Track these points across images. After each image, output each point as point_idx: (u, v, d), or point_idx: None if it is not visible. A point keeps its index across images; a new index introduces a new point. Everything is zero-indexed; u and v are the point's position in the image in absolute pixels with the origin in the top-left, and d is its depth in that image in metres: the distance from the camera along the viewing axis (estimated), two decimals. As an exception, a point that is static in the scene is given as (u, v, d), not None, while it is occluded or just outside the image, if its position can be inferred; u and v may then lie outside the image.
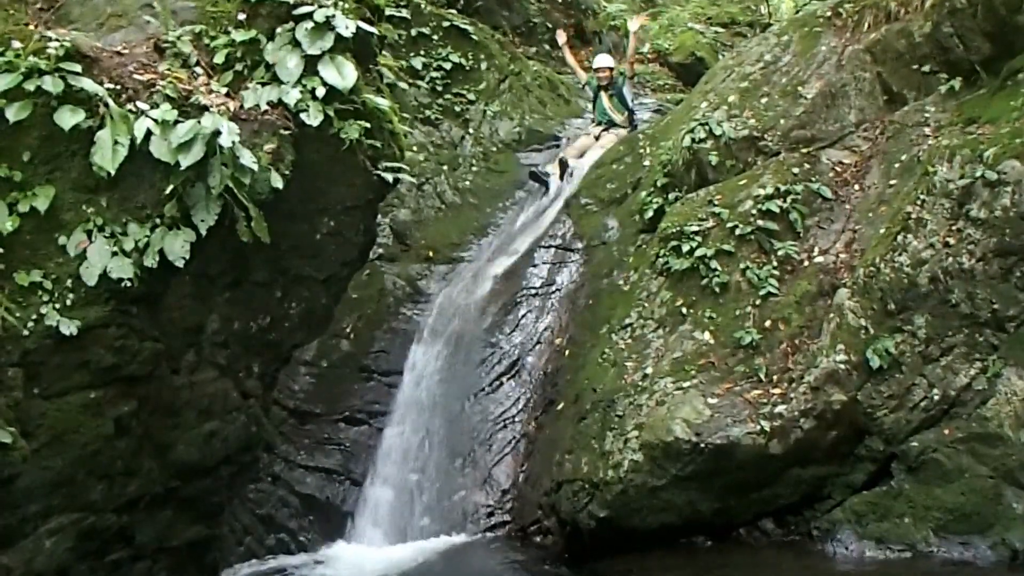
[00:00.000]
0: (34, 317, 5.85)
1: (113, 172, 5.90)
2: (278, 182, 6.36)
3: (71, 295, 5.94)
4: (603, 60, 14.59)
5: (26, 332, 5.81)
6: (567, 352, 10.95)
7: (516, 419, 10.77)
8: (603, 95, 14.47)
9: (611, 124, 14.37)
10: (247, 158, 6.14)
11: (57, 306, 5.91)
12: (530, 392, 10.96)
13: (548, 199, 13.30)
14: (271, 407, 8.86)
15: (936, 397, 8.67)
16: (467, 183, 13.73)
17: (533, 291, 11.80)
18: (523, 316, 11.56)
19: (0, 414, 5.65)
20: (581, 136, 14.48)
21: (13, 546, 5.96)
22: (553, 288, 11.80)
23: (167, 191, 6.05)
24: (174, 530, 6.98)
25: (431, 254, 12.54)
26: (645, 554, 9.07)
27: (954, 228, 8.59)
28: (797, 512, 9.22)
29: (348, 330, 11.46)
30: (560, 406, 10.45)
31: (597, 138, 14.11)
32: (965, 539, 8.51)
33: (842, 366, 8.83)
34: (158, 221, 6.09)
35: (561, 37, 15.69)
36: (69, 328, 5.89)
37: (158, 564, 6.90)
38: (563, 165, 13.48)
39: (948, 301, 8.58)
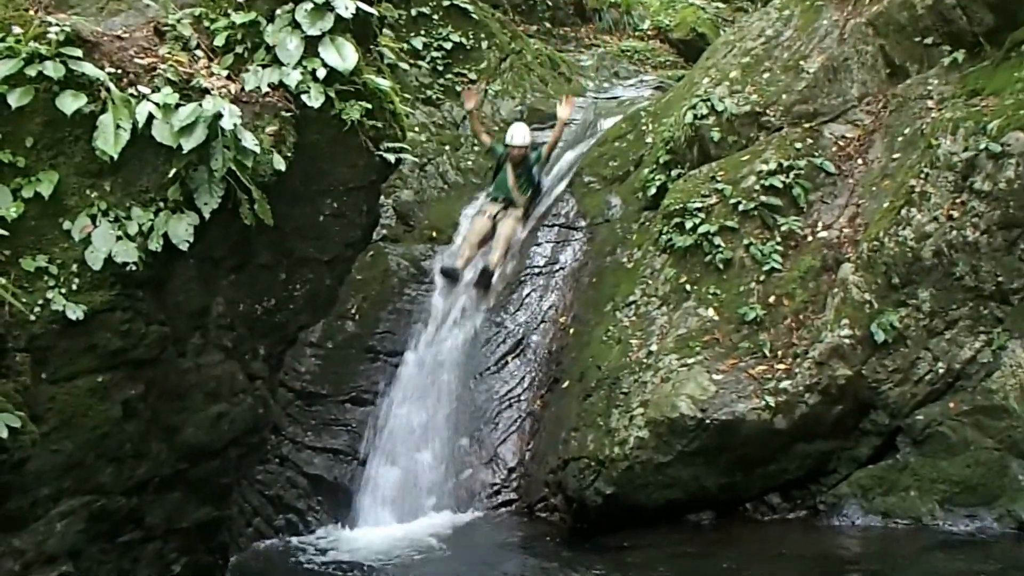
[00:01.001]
0: (40, 302, 5.86)
1: (116, 156, 5.89)
2: (280, 164, 6.36)
3: (77, 280, 5.95)
4: (520, 136, 12.39)
5: (33, 317, 5.82)
6: (571, 330, 10.98)
7: (521, 398, 10.82)
8: (509, 168, 12.42)
9: (510, 203, 12.42)
10: (249, 140, 6.14)
11: (63, 291, 5.91)
12: (535, 371, 11.00)
13: None
14: (278, 389, 8.88)
15: (941, 370, 8.71)
16: (469, 163, 13.72)
17: (537, 270, 11.82)
18: (527, 295, 11.59)
19: (9, 399, 5.66)
20: (476, 220, 12.44)
21: (25, 528, 5.98)
22: (557, 267, 11.83)
23: (170, 175, 6.04)
24: (183, 512, 7.00)
25: (434, 234, 12.54)
26: (652, 530, 9.13)
27: (958, 201, 8.61)
28: (803, 487, 9.28)
29: (353, 311, 11.48)
30: (565, 384, 10.49)
31: (494, 219, 12.32)
32: (971, 511, 8.58)
33: (847, 341, 8.85)
34: (162, 205, 6.09)
35: (469, 101, 13.12)
36: (75, 312, 5.90)
37: (168, 545, 6.92)
38: (484, 275, 11.78)
39: (952, 274, 8.60)
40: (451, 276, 11.90)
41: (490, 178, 12.75)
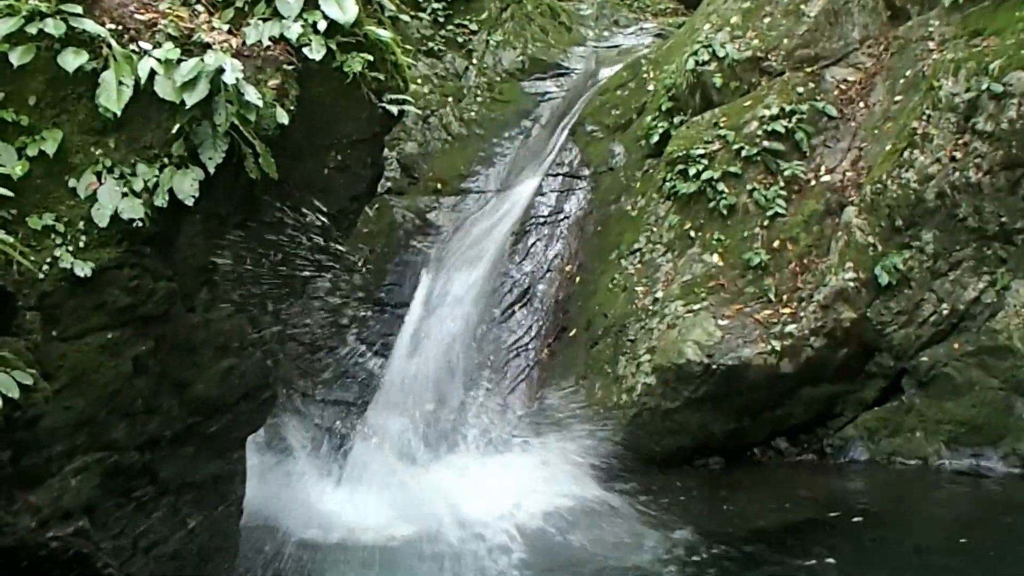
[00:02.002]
0: (48, 260, 5.86)
1: (119, 113, 5.87)
2: (284, 118, 6.34)
3: (84, 237, 5.94)
4: None
5: (41, 275, 5.82)
6: (577, 279, 11.02)
7: (529, 347, 10.86)
8: None
9: None
10: (252, 94, 6.12)
11: (71, 248, 5.91)
12: (542, 320, 11.05)
13: None
14: (287, 342, 8.92)
15: (945, 312, 8.75)
16: (472, 114, 13.70)
17: (542, 219, 11.83)
18: (533, 245, 11.61)
19: (20, 357, 5.69)
20: None
21: (41, 485, 6.01)
22: (562, 216, 11.84)
23: (174, 130, 6.02)
24: (196, 466, 7.03)
25: (439, 186, 12.55)
26: (661, 475, 9.22)
27: (960, 142, 8.60)
28: (810, 430, 9.37)
29: (360, 264, 11.51)
30: (572, 333, 10.55)
31: None
32: (976, 451, 8.66)
33: (851, 284, 8.89)
34: (166, 160, 6.06)
35: None
36: (83, 270, 5.90)
37: (182, 499, 6.97)
38: None
39: (955, 216, 8.62)
40: None
41: None
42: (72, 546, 6.20)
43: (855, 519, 8.04)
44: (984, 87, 8.44)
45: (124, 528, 6.55)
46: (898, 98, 9.68)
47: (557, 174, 12.24)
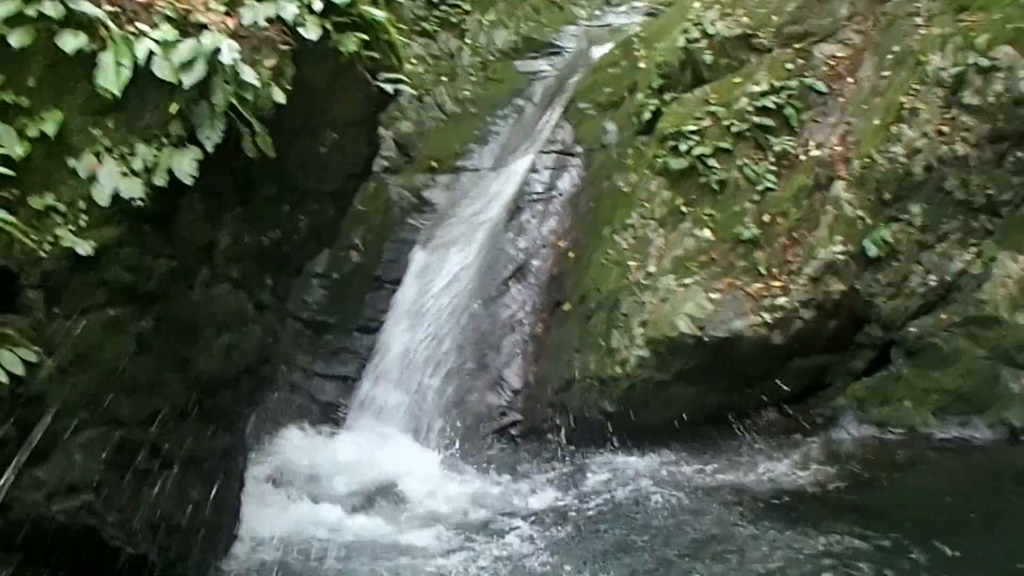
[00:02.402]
0: (50, 239, 5.92)
1: (118, 94, 5.95)
2: (280, 97, 6.41)
3: (85, 216, 6.00)
4: None
5: (43, 254, 5.88)
6: (571, 254, 11.10)
7: (524, 322, 10.96)
8: None
9: None
10: (249, 74, 6.18)
11: (72, 228, 5.96)
12: (536, 295, 11.14)
13: None
14: (286, 319, 8.99)
15: (933, 283, 8.85)
16: (466, 93, 13.77)
17: (536, 196, 11.92)
18: (527, 221, 11.69)
19: (24, 335, 5.78)
20: None
21: (46, 461, 6.09)
22: (555, 192, 11.92)
23: (172, 111, 6.11)
24: (200, 441, 7.08)
25: (434, 164, 12.64)
26: (655, 446, 9.32)
27: (947, 116, 8.70)
28: (801, 400, 9.47)
29: (357, 242, 11.63)
30: (566, 307, 10.65)
31: None
32: (964, 419, 8.76)
33: (840, 256, 8.99)
34: (165, 140, 6.12)
35: None
36: (85, 249, 5.95)
37: (186, 474, 7.03)
38: None
39: (943, 188, 8.72)
40: None
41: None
42: (78, 520, 6.30)
43: (843, 488, 8.15)
44: (971, 61, 8.53)
45: (129, 502, 6.62)
46: (886, 73, 9.76)
47: (550, 151, 12.31)
